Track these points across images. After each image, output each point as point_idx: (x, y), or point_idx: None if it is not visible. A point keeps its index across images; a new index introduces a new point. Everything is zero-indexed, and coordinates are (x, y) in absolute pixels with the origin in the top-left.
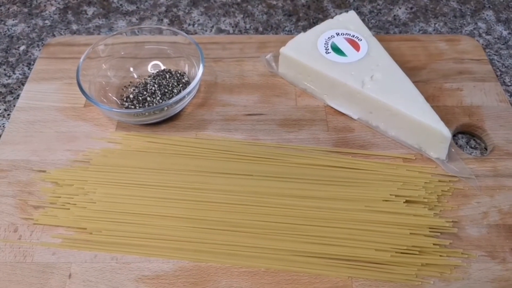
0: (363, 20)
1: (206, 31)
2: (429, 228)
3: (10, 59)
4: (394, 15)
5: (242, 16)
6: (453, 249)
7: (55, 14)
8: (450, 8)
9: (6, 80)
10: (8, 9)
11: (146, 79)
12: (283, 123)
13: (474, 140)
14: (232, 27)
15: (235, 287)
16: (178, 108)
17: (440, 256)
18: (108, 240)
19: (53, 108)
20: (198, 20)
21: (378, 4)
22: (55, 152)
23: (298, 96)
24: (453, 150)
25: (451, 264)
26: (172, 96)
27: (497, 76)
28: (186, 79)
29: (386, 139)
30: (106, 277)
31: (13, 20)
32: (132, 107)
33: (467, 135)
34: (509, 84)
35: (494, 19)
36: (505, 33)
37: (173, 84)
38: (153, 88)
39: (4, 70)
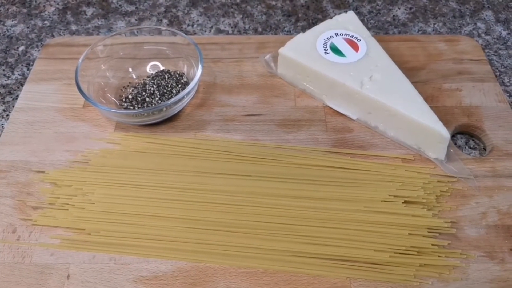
0: (362, 21)
1: (205, 31)
2: (428, 228)
3: (9, 59)
4: (393, 16)
5: (241, 16)
6: (452, 249)
7: (54, 14)
8: (449, 9)
9: (5, 80)
10: (7, 9)
11: (145, 79)
12: (282, 123)
13: (473, 140)
14: (231, 27)
15: (233, 287)
16: (177, 108)
17: (439, 256)
18: (106, 241)
19: (52, 108)
20: (197, 20)
21: (377, 5)
22: (54, 152)
23: (297, 97)
24: (452, 150)
25: (449, 264)
26: (171, 97)
27: (496, 76)
28: (185, 79)
29: (385, 140)
30: (105, 277)
31: (12, 20)
32: (131, 107)
33: (466, 135)
34: (508, 84)
35: (493, 20)
36: (504, 33)
37: (172, 84)
38: (152, 88)
39: (3, 70)
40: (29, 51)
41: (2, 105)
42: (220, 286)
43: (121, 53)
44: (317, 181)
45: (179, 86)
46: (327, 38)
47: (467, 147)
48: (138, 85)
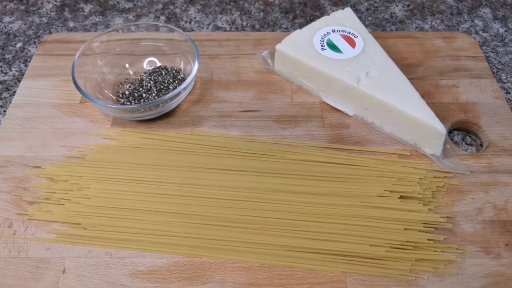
0: (360, 18)
1: (202, 28)
2: (424, 223)
3: (7, 56)
4: (391, 13)
5: (238, 13)
6: (448, 244)
7: (52, 11)
8: (447, 6)
9: (3, 77)
10: (5, 6)
11: (142, 75)
12: (279, 119)
13: (469, 136)
14: (229, 24)
15: (229, 282)
16: (173, 104)
17: (434, 251)
18: (102, 235)
19: (48, 104)
20: (195, 17)
21: (375, 2)
22: (50, 148)
23: (294, 93)
24: (448, 146)
25: (445, 259)
26: (168, 93)
27: (493, 73)
28: (181, 75)
29: (381, 136)
30: (100, 272)
31: (10, 17)
32: (128, 103)
33: (463, 131)
34: (506, 81)
35: (491, 17)
36: (501, 30)
37: (168, 80)
38: (149, 84)
39: (1, 67)
40: (27, 48)
41: None
42: (216, 280)
43: (117, 49)
44: (313, 177)
45: (176, 82)
46: (324, 35)
47: (463, 143)
48: (135, 81)
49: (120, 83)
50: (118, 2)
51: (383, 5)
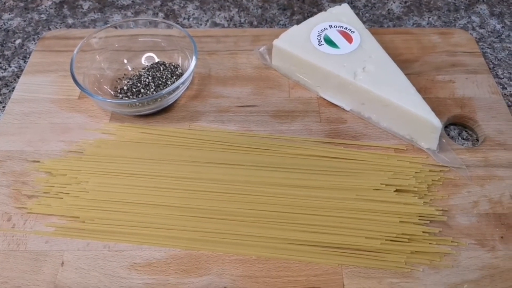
0: (357, 14)
1: (201, 25)
2: (419, 216)
3: (6, 52)
4: (388, 9)
5: (237, 10)
6: (443, 237)
7: (51, 8)
8: (444, 2)
9: (2, 73)
10: (4, 3)
11: (140, 71)
12: (276, 114)
13: (466, 131)
14: (227, 21)
15: (226, 274)
16: (171, 99)
17: (430, 244)
18: (100, 228)
19: (47, 100)
20: (193, 14)
21: None
22: (49, 143)
23: (291, 88)
24: (444, 140)
25: (440, 252)
26: (166, 88)
27: (490, 69)
28: (179, 71)
29: (378, 130)
30: (99, 264)
31: (9, 14)
32: (126, 98)
33: (459, 126)
34: (502, 76)
35: (488, 13)
36: (498, 26)
37: (167, 76)
38: (147, 80)
39: (0, 63)
40: (26, 44)
41: None
42: (213, 272)
43: (116, 45)
44: (310, 171)
45: (174, 77)
46: (321, 30)
47: (460, 138)
48: (133, 76)
49: (119, 78)
50: None
51: (381, 2)
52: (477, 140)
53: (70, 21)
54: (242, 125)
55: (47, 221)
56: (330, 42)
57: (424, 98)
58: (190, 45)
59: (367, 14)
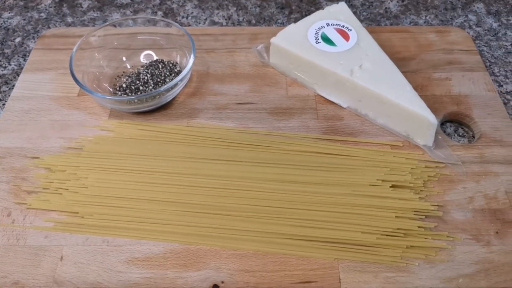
0: (355, 13)
1: (199, 23)
2: (414, 211)
3: (6, 50)
4: (386, 8)
5: (235, 9)
6: (439, 232)
7: (51, 7)
8: (441, 1)
9: (2, 71)
10: (4, 2)
11: (139, 69)
12: (274, 111)
13: (462, 128)
14: (225, 19)
15: (223, 268)
16: (170, 96)
17: (425, 239)
18: (99, 223)
19: (47, 97)
20: (192, 12)
21: None
22: (49, 139)
23: (289, 86)
24: (440, 137)
25: (436, 246)
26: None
27: (486, 67)
28: (178, 69)
29: (374, 127)
30: (97, 259)
31: (9, 13)
32: (125, 96)
33: (455, 123)
34: (498, 74)
35: (485, 12)
36: (495, 25)
37: (165, 73)
38: (146, 77)
39: (0, 61)
40: (26, 43)
41: None
42: (211, 267)
43: (115, 43)
44: (307, 167)
45: (173, 75)
46: (319, 28)
47: (456, 135)
48: (132, 74)
49: (118, 76)
50: None
51: (378, 0)
52: (473, 137)
53: (69, 19)
54: (240, 122)
55: (46, 216)
56: (327, 40)
57: (420, 96)
58: (189, 43)
59: (364, 13)
